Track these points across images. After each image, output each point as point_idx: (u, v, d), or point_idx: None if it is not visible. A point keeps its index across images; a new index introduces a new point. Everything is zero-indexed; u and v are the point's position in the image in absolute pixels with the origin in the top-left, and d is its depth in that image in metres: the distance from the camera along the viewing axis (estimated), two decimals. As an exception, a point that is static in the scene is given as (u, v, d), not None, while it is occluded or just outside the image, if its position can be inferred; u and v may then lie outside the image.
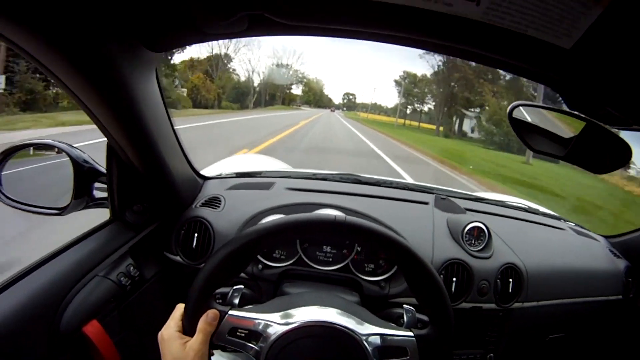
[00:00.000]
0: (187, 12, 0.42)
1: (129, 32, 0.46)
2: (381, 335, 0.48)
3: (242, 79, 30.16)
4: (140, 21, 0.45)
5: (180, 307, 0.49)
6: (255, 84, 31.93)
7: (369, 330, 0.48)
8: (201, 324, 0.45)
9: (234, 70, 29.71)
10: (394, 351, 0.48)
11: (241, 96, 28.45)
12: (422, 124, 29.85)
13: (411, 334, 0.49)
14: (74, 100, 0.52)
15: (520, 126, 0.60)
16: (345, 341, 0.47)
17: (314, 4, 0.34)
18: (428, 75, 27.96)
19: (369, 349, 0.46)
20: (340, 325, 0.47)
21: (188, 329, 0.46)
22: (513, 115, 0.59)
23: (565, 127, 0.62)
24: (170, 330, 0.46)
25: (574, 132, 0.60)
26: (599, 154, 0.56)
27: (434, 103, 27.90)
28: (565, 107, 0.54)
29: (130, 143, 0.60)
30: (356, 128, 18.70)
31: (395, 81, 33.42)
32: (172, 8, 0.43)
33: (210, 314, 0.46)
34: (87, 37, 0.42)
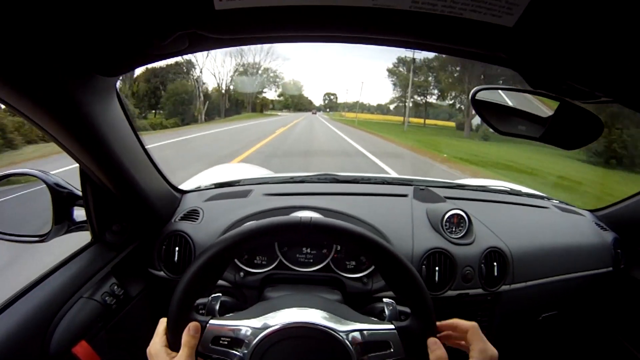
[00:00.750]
0: (128, 37, 0.42)
1: (81, 64, 0.47)
2: (361, 330, 0.48)
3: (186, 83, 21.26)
4: (90, 52, 0.45)
5: (163, 322, 0.49)
6: (209, 89, 23.68)
7: (350, 327, 0.48)
8: (185, 337, 0.46)
9: (170, 73, 20.88)
10: (376, 345, 0.48)
11: (180, 106, 20.11)
12: (427, 121, 23.70)
13: (392, 326, 0.49)
14: (38, 129, 0.53)
15: (485, 109, 0.59)
16: (327, 340, 0.47)
17: (241, 18, 0.34)
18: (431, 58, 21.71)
19: (351, 346, 0.47)
20: (320, 325, 0.47)
21: (173, 343, 0.47)
22: (477, 98, 0.58)
23: (540, 106, 0.61)
24: (156, 347, 0.47)
25: (544, 109, 0.59)
26: (571, 130, 0.55)
27: (439, 93, 22.35)
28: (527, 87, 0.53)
29: (99, 168, 0.61)
30: (356, 139, 11.38)
31: (389, 71, 26.30)
32: (115, 35, 0.43)
33: (192, 326, 0.46)
34: (44, 74, 0.43)
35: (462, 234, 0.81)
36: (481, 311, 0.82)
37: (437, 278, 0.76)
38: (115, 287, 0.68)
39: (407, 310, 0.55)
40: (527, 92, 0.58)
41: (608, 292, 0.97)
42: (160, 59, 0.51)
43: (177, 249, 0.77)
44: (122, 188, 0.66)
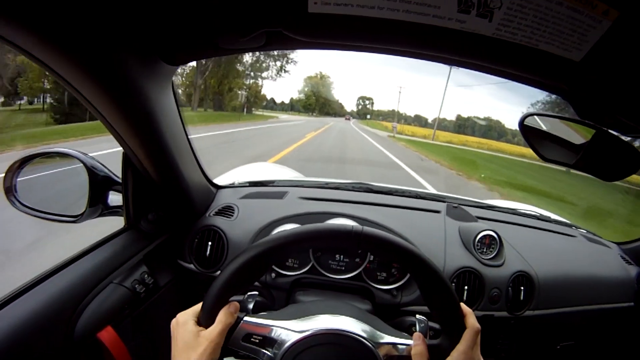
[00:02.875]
0: (206, 29, 0.43)
1: (148, 47, 0.47)
2: (393, 344, 0.48)
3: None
4: (160, 36, 0.46)
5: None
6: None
7: (381, 339, 0.48)
8: (222, 315, 0.44)
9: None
10: None
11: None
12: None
13: None
14: (91, 110, 0.53)
15: (531, 134, 0.60)
16: (358, 349, 0.47)
17: (330, 23, 0.35)
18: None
19: (381, 357, 0.47)
20: (353, 334, 0.47)
21: (204, 323, 0.45)
22: (525, 123, 0.60)
23: (577, 134, 0.62)
24: (186, 316, 0.45)
25: (584, 139, 0.60)
26: (609, 161, 0.57)
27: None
28: (576, 116, 0.55)
29: (146, 153, 0.61)
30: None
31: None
32: (192, 25, 0.44)
33: (232, 305, 0.46)
34: (108, 51, 0.43)
35: (492, 255, 0.81)
36: (503, 334, 0.81)
37: (465, 297, 0.76)
38: (146, 275, 0.68)
39: (437, 326, 0.55)
40: (573, 121, 0.59)
41: (628, 327, 0.97)
42: (229, 53, 0.51)
43: (209, 243, 0.77)
44: (164, 176, 0.66)
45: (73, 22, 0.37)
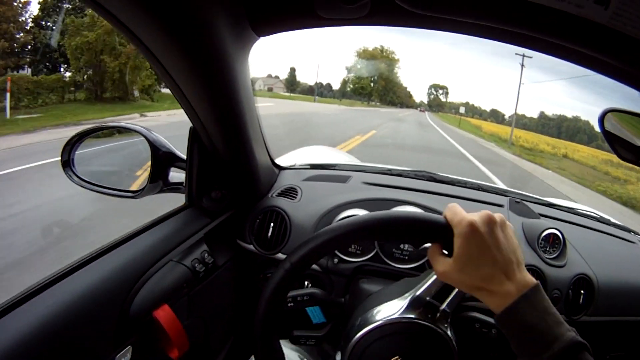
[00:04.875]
0: None
1: (239, 9, 0.45)
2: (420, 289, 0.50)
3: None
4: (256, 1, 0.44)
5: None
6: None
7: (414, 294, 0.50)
8: None
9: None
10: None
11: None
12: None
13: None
14: (163, 78, 0.51)
15: (611, 133, 0.60)
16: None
17: None
18: None
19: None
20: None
21: None
22: (605, 121, 0.60)
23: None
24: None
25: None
26: None
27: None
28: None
29: (219, 125, 0.60)
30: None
31: None
32: None
33: None
34: (195, 7, 0.39)
35: (555, 255, 0.78)
36: None
37: None
38: (206, 254, 0.66)
39: (491, 320, 0.58)
40: None
41: None
42: (325, 25, 0.48)
43: (272, 224, 0.76)
44: (235, 152, 0.65)
45: None
